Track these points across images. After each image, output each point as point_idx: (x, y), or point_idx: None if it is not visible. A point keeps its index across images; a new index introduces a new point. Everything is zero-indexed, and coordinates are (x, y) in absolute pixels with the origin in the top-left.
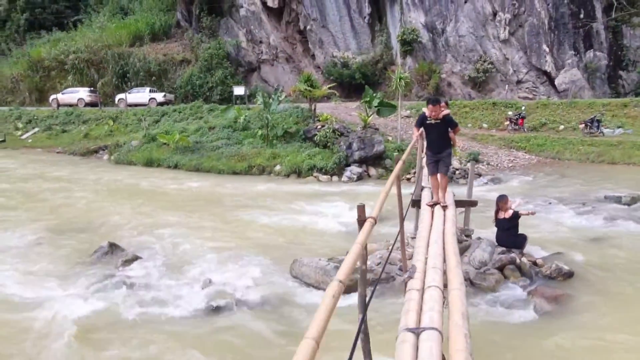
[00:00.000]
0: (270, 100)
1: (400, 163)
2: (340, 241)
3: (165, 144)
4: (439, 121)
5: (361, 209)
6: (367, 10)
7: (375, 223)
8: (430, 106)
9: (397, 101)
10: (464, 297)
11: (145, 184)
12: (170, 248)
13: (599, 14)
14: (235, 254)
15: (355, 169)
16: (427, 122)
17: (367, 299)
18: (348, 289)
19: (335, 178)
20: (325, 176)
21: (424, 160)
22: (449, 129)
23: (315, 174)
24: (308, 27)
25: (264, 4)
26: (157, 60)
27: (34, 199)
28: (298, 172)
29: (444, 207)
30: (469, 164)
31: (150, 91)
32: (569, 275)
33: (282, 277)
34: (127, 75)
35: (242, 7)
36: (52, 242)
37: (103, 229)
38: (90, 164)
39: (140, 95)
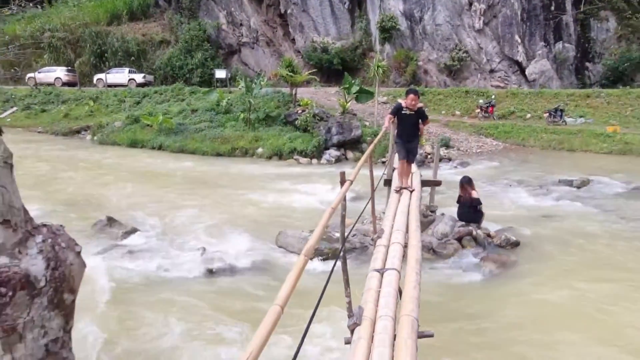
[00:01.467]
0: (253, 84)
1: (374, 143)
2: (319, 217)
3: (148, 125)
4: (413, 112)
5: (342, 173)
6: None
7: (351, 184)
8: (411, 95)
9: (374, 88)
10: (419, 250)
11: (132, 164)
12: (165, 222)
13: (568, 6)
14: (225, 227)
15: (333, 152)
16: (403, 112)
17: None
18: (328, 257)
19: (314, 161)
20: (305, 159)
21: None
22: (420, 121)
23: (295, 157)
24: (289, 11)
25: None
26: (135, 41)
27: (23, 178)
28: (279, 155)
29: (411, 191)
30: (440, 149)
31: (129, 72)
32: (516, 244)
33: (269, 246)
34: (105, 55)
35: None
36: (48, 217)
37: (99, 206)
38: (73, 144)
39: (119, 75)
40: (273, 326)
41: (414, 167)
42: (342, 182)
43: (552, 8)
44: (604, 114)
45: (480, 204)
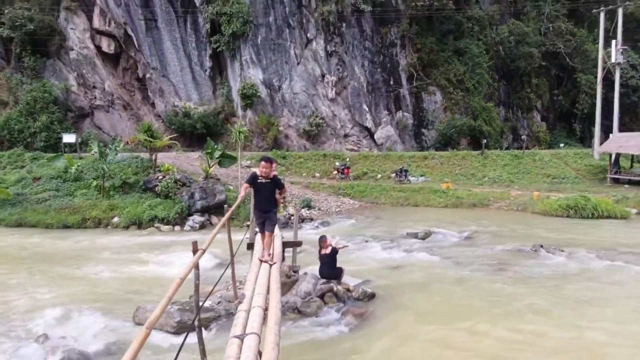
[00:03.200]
0: (107, 149)
1: (230, 211)
2: (182, 287)
3: None
4: (269, 181)
5: (194, 243)
6: (208, 64)
7: (204, 252)
8: (263, 163)
9: (237, 152)
10: (279, 311)
11: None
12: (1, 308)
13: (404, 82)
14: (73, 308)
15: (197, 218)
16: (258, 180)
17: (200, 304)
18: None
19: (177, 228)
20: (167, 226)
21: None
22: (277, 190)
23: (157, 225)
24: (147, 75)
25: (99, 48)
26: None
27: None
28: (138, 224)
29: (272, 264)
30: (302, 210)
31: None
32: (372, 296)
33: (126, 325)
34: None
35: (72, 49)
36: None
37: None
38: None
39: None
40: None
41: (276, 229)
42: (195, 251)
43: (391, 82)
44: (439, 172)
45: (337, 252)
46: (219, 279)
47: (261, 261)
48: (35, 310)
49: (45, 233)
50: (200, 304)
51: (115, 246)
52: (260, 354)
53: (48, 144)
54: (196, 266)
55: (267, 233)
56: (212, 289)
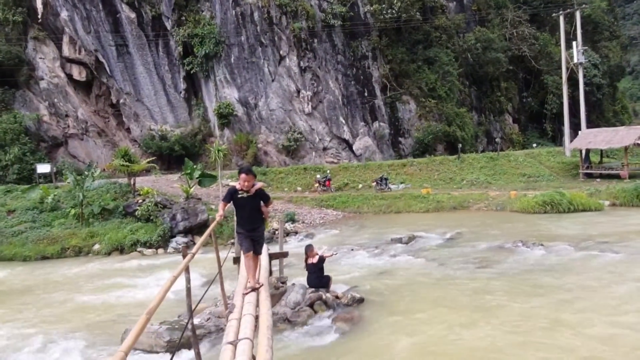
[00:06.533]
0: (83, 177)
1: (210, 228)
2: (170, 307)
3: None
4: (251, 194)
5: (184, 247)
6: (182, 85)
7: (193, 256)
8: (243, 175)
9: (217, 171)
10: (270, 317)
11: None
12: None
13: (378, 92)
14: (59, 337)
15: (181, 239)
16: (239, 195)
17: (194, 306)
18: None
19: (160, 250)
20: (150, 250)
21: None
22: (262, 203)
23: (139, 249)
24: (121, 101)
25: (69, 76)
26: None
27: None
28: (120, 249)
29: (258, 288)
30: (286, 224)
31: None
32: (360, 301)
33: (113, 349)
34: None
35: (42, 79)
36: None
37: None
38: None
39: None
40: None
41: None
42: (184, 255)
43: (366, 94)
44: (418, 179)
45: (324, 260)
46: (206, 290)
47: (246, 293)
48: (19, 340)
49: (23, 266)
50: (193, 306)
51: (98, 273)
52: (254, 358)
53: (21, 176)
54: (187, 269)
55: (253, 255)
56: (199, 301)
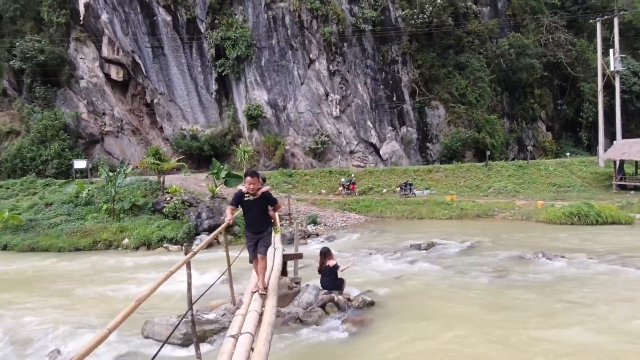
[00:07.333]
0: (116, 173)
1: (218, 230)
2: (183, 303)
3: None
4: (257, 197)
5: (187, 246)
6: (213, 87)
7: (195, 254)
8: (248, 178)
9: (243, 171)
10: (274, 314)
11: None
12: (10, 330)
13: (407, 97)
14: (85, 324)
15: (204, 237)
16: (245, 199)
17: (194, 300)
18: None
19: None
20: (175, 246)
21: None
22: (269, 207)
23: (165, 245)
24: (155, 101)
25: (107, 76)
26: None
27: None
28: (148, 244)
29: (263, 295)
30: (308, 226)
31: None
32: (371, 304)
33: (134, 338)
34: None
35: (82, 78)
36: None
37: None
38: None
39: None
40: None
41: (278, 243)
42: (186, 252)
43: (394, 98)
44: (444, 185)
45: (338, 268)
46: (213, 283)
47: (254, 292)
48: (48, 327)
49: (58, 256)
50: (194, 300)
51: (125, 266)
52: (253, 350)
53: (59, 171)
54: (188, 265)
55: (259, 256)
56: (201, 295)
